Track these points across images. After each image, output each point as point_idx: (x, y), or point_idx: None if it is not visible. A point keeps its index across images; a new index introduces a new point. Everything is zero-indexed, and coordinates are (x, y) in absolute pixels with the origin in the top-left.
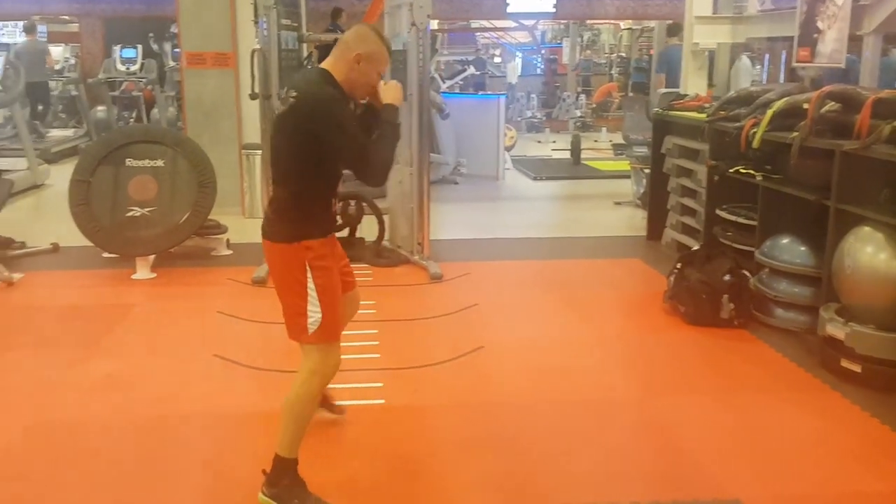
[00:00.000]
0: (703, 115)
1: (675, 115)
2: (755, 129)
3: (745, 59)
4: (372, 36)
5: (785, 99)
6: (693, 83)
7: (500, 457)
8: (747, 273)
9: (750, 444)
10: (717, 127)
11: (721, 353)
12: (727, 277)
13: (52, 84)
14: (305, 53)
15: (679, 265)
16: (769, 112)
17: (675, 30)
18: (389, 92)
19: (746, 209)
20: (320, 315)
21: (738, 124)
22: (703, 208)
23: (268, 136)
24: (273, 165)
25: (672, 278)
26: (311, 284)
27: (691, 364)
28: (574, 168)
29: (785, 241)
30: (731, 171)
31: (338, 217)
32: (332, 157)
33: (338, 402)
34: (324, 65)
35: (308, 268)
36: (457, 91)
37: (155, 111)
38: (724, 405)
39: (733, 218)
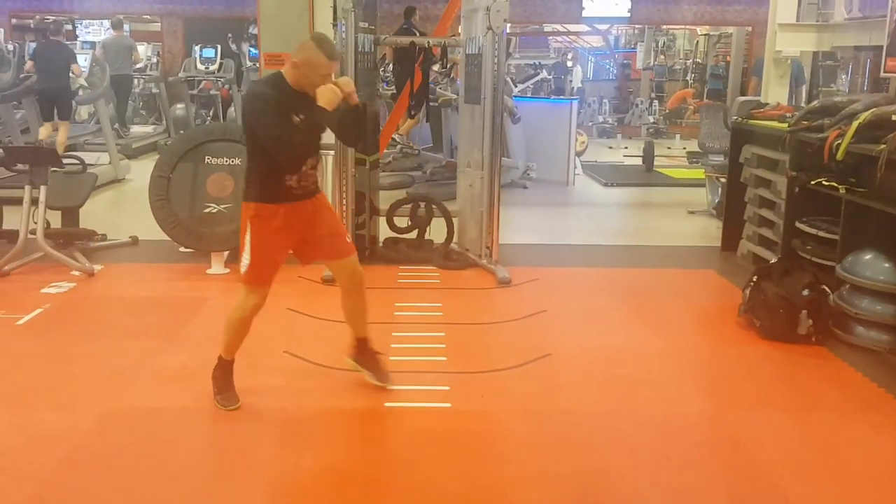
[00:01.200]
0: (785, 125)
1: (755, 124)
2: (839, 141)
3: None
4: (309, 46)
5: (872, 110)
6: (774, 92)
7: (566, 466)
8: (827, 288)
9: (827, 465)
10: (799, 137)
11: (798, 370)
12: (806, 292)
13: (134, 82)
14: (379, 56)
15: (755, 278)
16: (855, 123)
17: None
18: (323, 95)
19: (828, 222)
20: (248, 261)
21: (821, 135)
22: (782, 220)
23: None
24: None
25: (748, 291)
26: (247, 237)
27: (766, 380)
28: (646, 175)
29: (868, 256)
30: (812, 182)
31: (299, 188)
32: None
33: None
34: (283, 68)
35: (248, 223)
36: (528, 95)
37: (231, 110)
38: (801, 424)
39: (814, 231)
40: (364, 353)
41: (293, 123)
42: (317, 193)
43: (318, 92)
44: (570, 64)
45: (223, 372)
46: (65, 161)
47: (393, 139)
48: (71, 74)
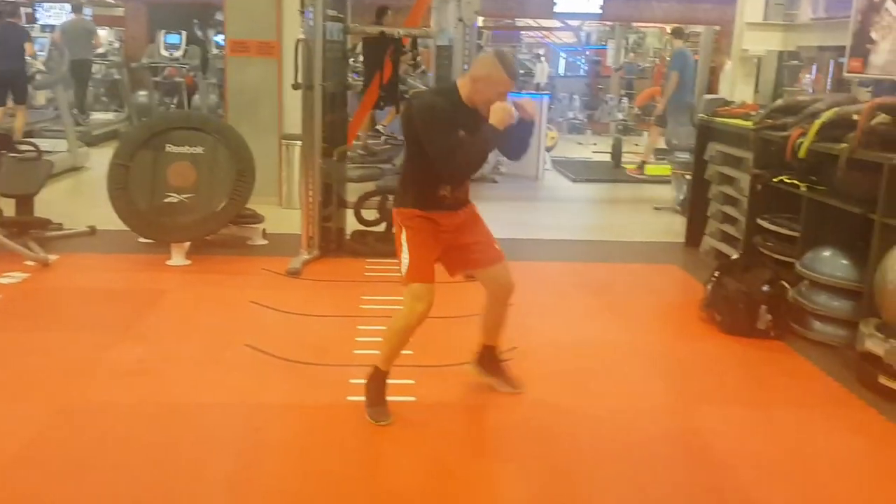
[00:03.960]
0: (749, 123)
1: (720, 122)
2: (802, 139)
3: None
4: (490, 62)
5: (834, 109)
6: (740, 90)
7: (530, 458)
8: (786, 284)
9: (785, 459)
10: (763, 135)
11: (757, 365)
12: (766, 288)
13: (95, 67)
14: (350, 45)
15: (717, 273)
16: (817, 122)
17: (680, 33)
18: (496, 114)
19: (788, 220)
20: (408, 261)
21: (784, 133)
22: (744, 217)
23: (308, 126)
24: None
25: (710, 286)
26: (403, 239)
27: (726, 374)
28: (614, 171)
29: (827, 253)
30: (774, 180)
31: (452, 198)
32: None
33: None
34: (458, 79)
35: (402, 227)
36: None
37: (196, 98)
38: (759, 418)
39: (775, 228)
40: (491, 361)
41: (459, 137)
42: (467, 204)
43: (493, 110)
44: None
45: (377, 384)
46: (19, 147)
47: (377, 130)
48: (26, 56)
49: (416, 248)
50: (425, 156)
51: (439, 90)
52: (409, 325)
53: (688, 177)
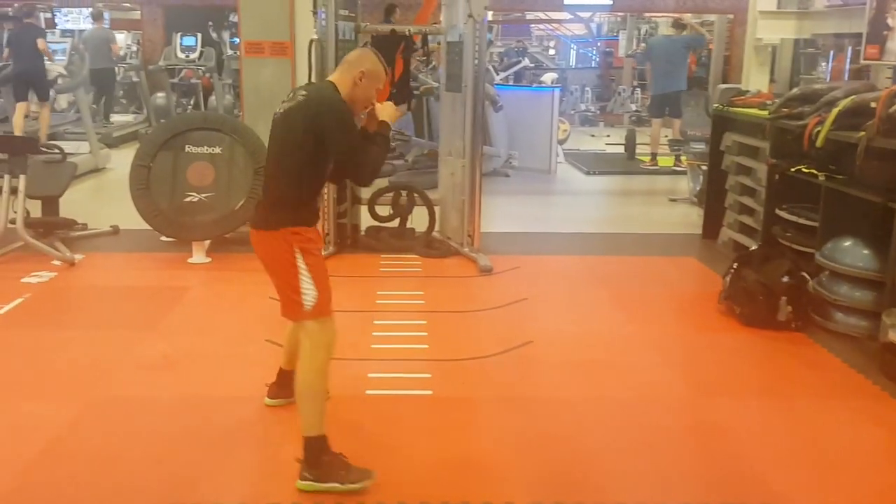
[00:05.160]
0: (765, 112)
1: (736, 112)
2: (819, 128)
3: None
4: (373, 57)
5: (851, 97)
6: (755, 79)
7: (548, 453)
8: (806, 275)
9: (805, 451)
10: (779, 124)
11: (777, 357)
12: (785, 279)
13: (116, 73)
14: (361, 44)
15: (736, 265)
16: (834, 111)
17: (676, 24)
18: (386, 111)
19: (807, 209)
20: (316, 292)
21: (801, 122)
22: (763, 207)
23: None
24: (273, 158)
25: (728, 278)
26: (301, 265)
27: (746, 366)
28: (628, 163)
29: (847, 243)
30: (792, 170)
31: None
32: (329, 155)
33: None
34: (331, 79)
35: (297, 251)
36: (511, 83)
37: (212, 98)
38: (780, 410)
39: (794, 218)
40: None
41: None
42: None
43: (380, 108)
44: (552, 52)
45: (325, 453)
46: (44, 150)
47: None
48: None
49: (319, 276)
50: (322, 161)
51: (330, 86)
52: (325, 366)
53: (703, 167)
